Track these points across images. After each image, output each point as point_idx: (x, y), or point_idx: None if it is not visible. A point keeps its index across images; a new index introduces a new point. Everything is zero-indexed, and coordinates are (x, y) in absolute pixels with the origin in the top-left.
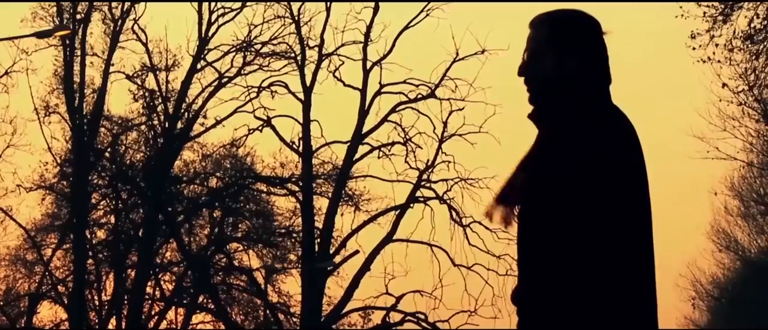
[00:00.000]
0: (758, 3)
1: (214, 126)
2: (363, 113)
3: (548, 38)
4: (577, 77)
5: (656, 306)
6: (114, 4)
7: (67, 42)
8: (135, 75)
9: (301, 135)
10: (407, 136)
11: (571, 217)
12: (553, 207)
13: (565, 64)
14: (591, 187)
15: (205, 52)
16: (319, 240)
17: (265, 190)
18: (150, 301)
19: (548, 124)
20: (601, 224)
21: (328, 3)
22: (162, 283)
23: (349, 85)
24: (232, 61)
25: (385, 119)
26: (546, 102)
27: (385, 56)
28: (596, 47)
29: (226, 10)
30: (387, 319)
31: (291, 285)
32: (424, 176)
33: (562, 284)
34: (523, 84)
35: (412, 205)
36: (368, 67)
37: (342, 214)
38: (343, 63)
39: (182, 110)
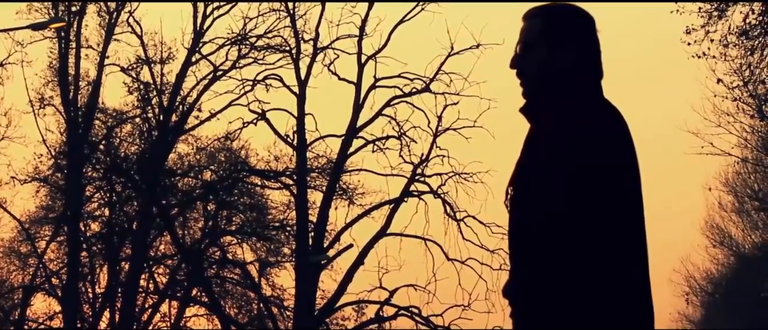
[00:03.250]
0: (753, 1)
1: (208, 119)
2: (357, 107)
3: (541, 31)
4: (569, 71)
5: (650, 295)
6: None
7: (62, 34)
8: (130, 67)
9: (295, 128)
10: (402, 130)
11: (562, 209)
12: (544, 199)
13: (558, 58)
14: (582, 179)
15: (200, 44)
16: (312, 234)
17: (259, 183)
18: (144, 294)
19: (540, 118)
20: (592, 217)
21: None
22: (156, 276)
23: (343, 79)
24: (226, 54)
25: (379, 113)
26: (538, 95)
27: (379, 50)
28: (589, 42)
29: (222, 4)
30: (380, 313)
31: (285, 279)
32: (419, 170)
33: (552, 274)
34: (515, 77)
35: (406, 199)
36: (363, 60)
37: (336, 208)
38: (338, 57)
39: (177, 103)
